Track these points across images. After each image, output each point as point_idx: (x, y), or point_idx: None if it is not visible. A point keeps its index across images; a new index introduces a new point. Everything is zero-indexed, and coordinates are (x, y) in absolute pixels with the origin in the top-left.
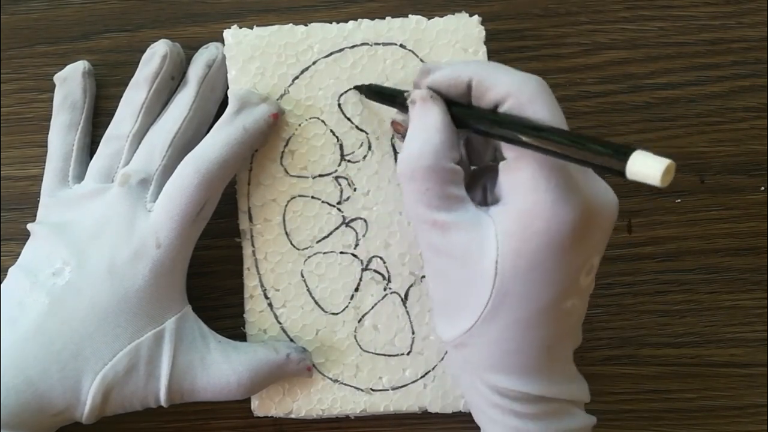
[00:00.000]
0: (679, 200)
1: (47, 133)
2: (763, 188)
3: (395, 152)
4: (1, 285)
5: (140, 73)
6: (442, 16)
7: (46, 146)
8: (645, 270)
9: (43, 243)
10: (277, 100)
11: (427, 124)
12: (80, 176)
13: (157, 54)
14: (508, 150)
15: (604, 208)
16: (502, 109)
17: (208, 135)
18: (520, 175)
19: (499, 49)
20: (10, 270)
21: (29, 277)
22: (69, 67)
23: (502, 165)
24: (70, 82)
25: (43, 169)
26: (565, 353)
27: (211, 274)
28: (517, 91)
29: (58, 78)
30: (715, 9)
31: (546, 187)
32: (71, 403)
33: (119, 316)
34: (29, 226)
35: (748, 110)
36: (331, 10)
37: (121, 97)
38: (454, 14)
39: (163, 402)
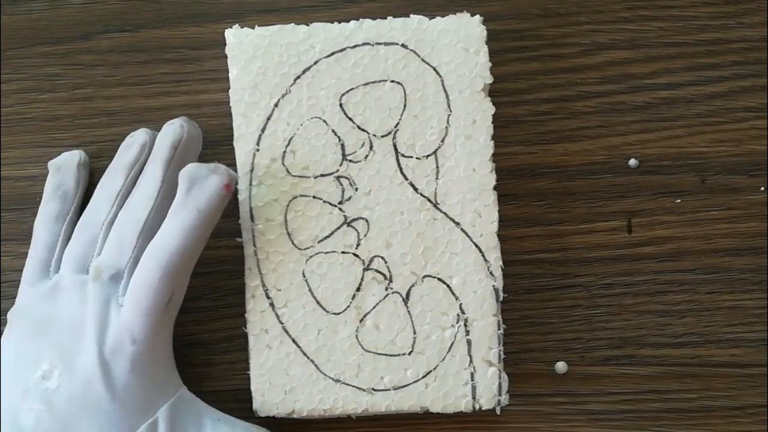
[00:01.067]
0: (679, 200)
1: (47, 133)
2: (763, 188)
3: (397, 152)
4: None
5: (118, 159)
6: (443, 16)
7: (46, 146)
8: (645, 270)
9: (26, 343)
10: (279, 99)
11: None
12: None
13: (136, 143)
14: None
15: None
16: None
17: (164, 222)
18: None
19: (499, 50)
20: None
21: (20, 381)
22: (65, 156)
23: None
24: (64, 172)
25: (43, 169)
26: None
27: (211, 274)
28: None
29: (52, 165)
30: (715, 9)
31: None
32: None
33: (113, 415)
34: (9, 315)
35: (748, 110)
36: (332, 10)
37: (121, 97)
38: (455, 14)
39: None
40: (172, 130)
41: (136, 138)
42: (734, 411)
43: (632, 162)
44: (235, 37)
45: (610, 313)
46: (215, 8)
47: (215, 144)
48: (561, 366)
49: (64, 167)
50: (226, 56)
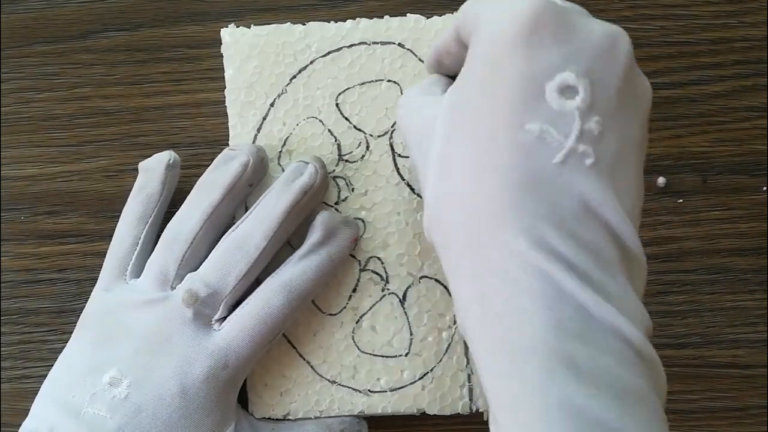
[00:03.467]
0: (681, 200)
1: (45, 132)
2: (765, 188)
3: (393, 152)
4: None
5: (214, 174)
6: (441, 15)
7: (44, 146)
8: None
9: (98, 348)
10: (275, 99)
11: None
12: (139, 271)
13: (237, 161)
14: None
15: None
16: None
17: (295, 263)
18: None
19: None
20: (58, 363)
21: (87, 384)
22: (155, 157)
23: None
24: (152, 173)
25: (42, 168)
26: None
27: None
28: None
29: (141, 166)
30: (717, 8)
31: None
32: None
33: None
34: (82, 317)
35: (750, 110)
36: (331, 9)
37: (119, 96)
38: (453, 13)
39: None
40: (308, 173)
41: (238, 156)
42: (736, 412)
43: (661, 180)
44: (230, 36)
45: None
46: (214, 7)
47: (214, 144)
48: None
49: (152, 169)
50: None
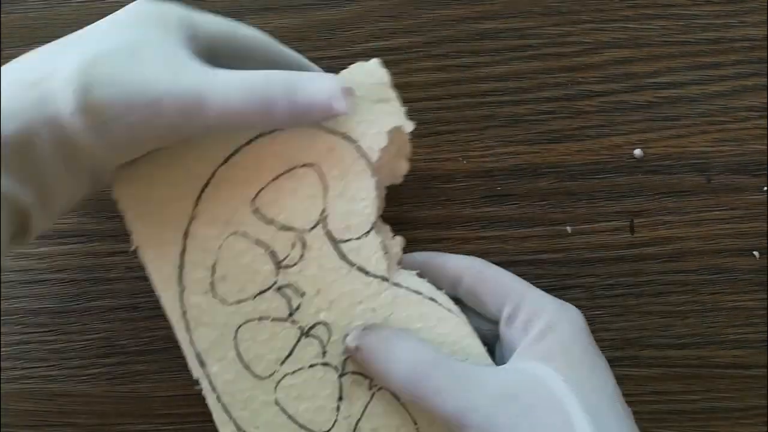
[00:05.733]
0: (681, 201)
1: None
2: (765, 188)
3: (333, 239)
4: None
5: None
6: (446, 21)
7: None
8: (647, 271)
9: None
10: (187, 227)
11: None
12: None
13: None
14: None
15: None
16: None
17: None
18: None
19: (501, 48)
20: None
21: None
22: None
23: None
24: None
25: None
26: None
27: None
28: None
29: None
30: (717, 8)
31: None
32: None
33: None
34: None
35: (750, 110)
36: (332, 9)
37: None
38: (349, 67)
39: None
40: None
41: None
42: (737, 412)
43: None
44: (119, 189)
45: (613, 314)
46: (213, 7)
47: None
48: None
49: None
50: None
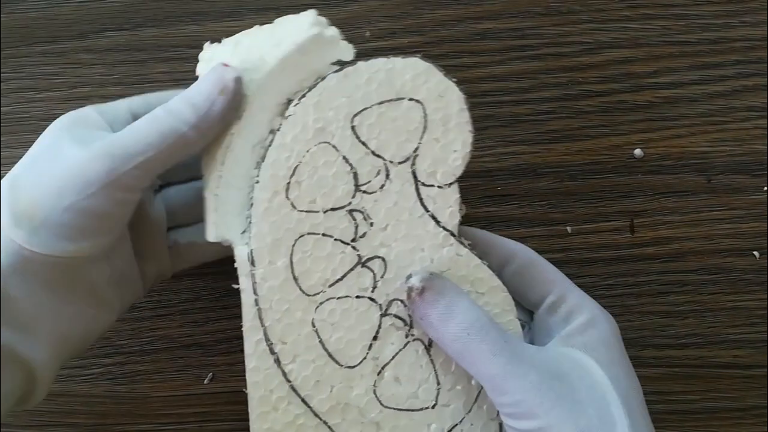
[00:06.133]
0: (681, 201)
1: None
2: (765, 188)
3: (416, 180)
4: None
5: None
6: (446, 21)
7: None
8: (648, 271)
9: None
10: (281, 123)
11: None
12: None
13: None
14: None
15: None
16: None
17: None
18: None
19: (501, 48)
20: None
21: None
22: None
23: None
24: None
25: None
26: None
27: (210, 274)
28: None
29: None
30: (717, 8)
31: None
32: None
33: None
34: None
35: (751, 110)
36: (332, 9)
37: (119, 96)
38: None
39: None
40: None
41: None
42: (737, 412)
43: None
44: (215, 54)
45: (613, 314)
46: (214, 6)
47: None
48: None
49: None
50: None
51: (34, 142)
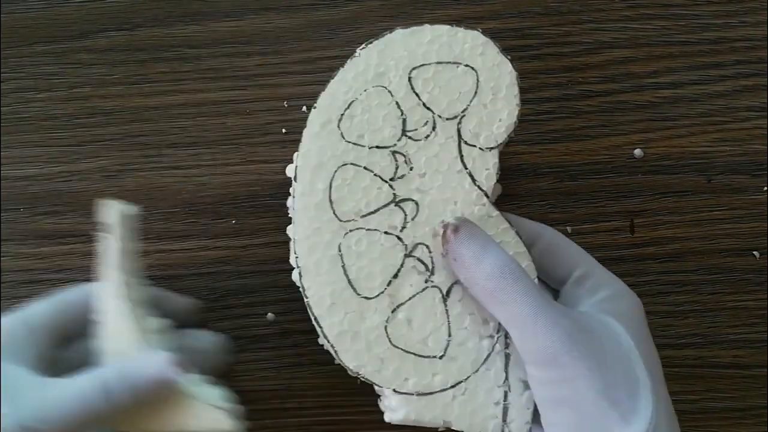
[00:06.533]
0: (681, 201)
1: (45, 132)
2: (765, 188)
3: (460, 137)
4: None
5: None
6: (439, 15)
7: (44, 146)
8: (648, 271)
9: None
10: (348, 60)
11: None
12: None
13: None
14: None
15: None
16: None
17: None
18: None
19: (501, 48)
20: None
21: None
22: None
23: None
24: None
25: (41, 169)
26: None
27: (211, 274)
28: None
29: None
30: (717, 8)
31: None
32: None
33: None
34: None
35: (751, 110)
36: (332, 9)
37: (119, 96)
38: None
39: None
40: None
41: None
42: (737, 413)
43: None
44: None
45: None
46: (214, 6)
47: (214, 144)
48: None
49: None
50: (225, 55)
51: (33, 142)
